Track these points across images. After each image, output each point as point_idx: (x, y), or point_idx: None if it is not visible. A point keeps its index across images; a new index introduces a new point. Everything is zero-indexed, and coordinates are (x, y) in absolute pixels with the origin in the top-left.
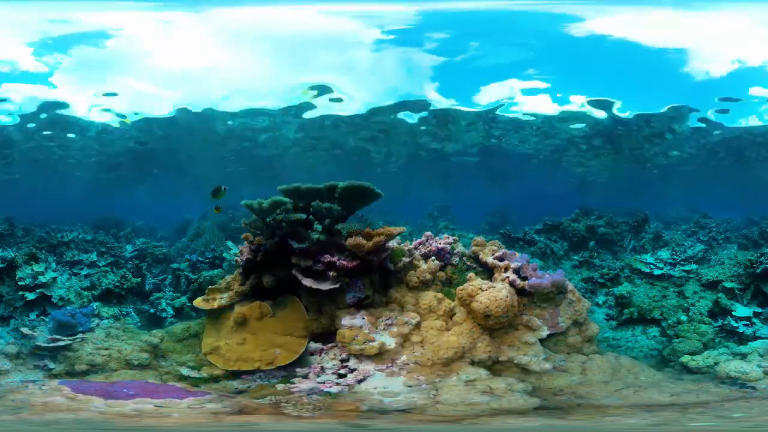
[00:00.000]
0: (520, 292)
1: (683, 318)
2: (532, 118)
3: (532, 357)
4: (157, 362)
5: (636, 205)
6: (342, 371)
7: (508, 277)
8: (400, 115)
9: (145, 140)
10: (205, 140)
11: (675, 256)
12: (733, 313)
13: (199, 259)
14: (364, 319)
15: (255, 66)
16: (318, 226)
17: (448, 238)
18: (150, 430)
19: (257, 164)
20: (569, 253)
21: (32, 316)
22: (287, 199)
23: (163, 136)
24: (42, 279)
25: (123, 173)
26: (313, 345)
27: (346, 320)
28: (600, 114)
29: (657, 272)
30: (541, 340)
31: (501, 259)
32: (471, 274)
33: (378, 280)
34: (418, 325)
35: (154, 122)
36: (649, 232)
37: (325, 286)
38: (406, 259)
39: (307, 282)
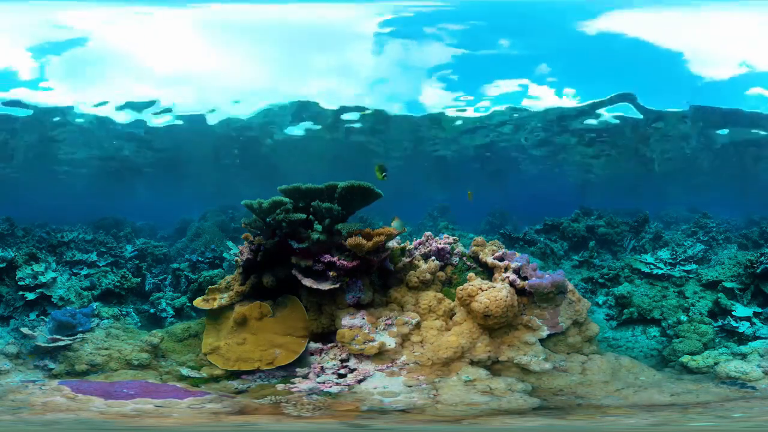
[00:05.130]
0: (520, 292)
1: (683, 318)
2: (534, 116)
3: (532, 357)
4: (157, 362)
5: (636, 205)
6: (342, 371)
7: (508, 277)
8: (399, 113)
9: (144, 140)
10: (204, 140)
11: (675, 256)
12: (733, 313)
13: (199, 259)
14: (364, 319)
15: (255, 66)
16: (318, 226)
17: (448, 238)
18: (150, 430)
19: (257, 164)
20: (569, 253)
21: (32, 316)
22: (287, 199)
23: (163, 137)
24: (42, 279)
25: (123, 174)
26: (313, 345)
27: (346, 320)
28: (602, 113)
29: (657, 272)
30: (541, 340)
31: (501, 259)
32: (471, 274)
33: (378, 280)
34: (418, 325)
35: (154, 123)
36: (649, 232)
37: (325, 286)
38: (406, 259)
39: (307, 282)
